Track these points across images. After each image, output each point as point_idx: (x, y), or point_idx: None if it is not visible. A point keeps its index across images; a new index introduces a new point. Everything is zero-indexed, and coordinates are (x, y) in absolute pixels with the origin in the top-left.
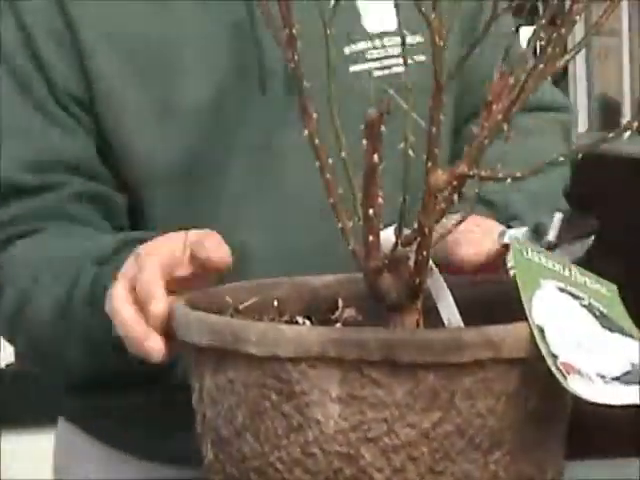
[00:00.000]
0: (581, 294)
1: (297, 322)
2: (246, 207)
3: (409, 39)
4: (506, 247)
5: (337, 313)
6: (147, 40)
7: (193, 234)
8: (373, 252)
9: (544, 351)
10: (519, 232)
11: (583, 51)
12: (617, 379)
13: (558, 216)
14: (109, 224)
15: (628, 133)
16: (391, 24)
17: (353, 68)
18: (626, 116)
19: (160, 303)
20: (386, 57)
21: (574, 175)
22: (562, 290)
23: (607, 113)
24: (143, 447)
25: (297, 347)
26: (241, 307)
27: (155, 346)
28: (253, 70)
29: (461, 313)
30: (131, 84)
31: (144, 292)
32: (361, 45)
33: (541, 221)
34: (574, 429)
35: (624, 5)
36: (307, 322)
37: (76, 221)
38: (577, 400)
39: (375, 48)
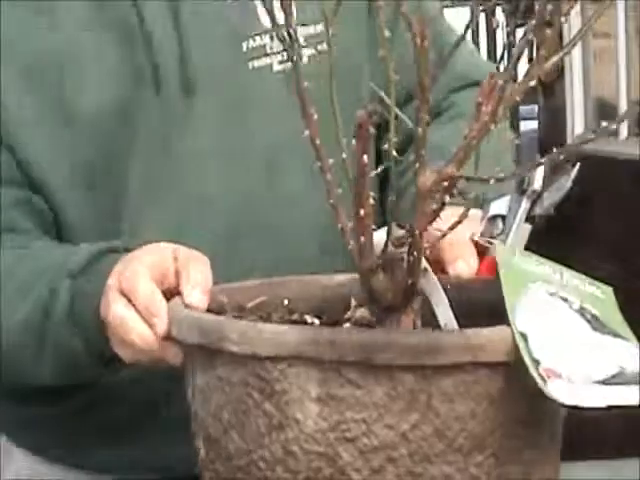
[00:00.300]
0: (572, 297)
1: (306, 321)
2: (148, 209)
3: (311, 29)
4: (490, 220)
5: (349, 313)
6: (40, 54)
7: (183, 255)
8: (365, 252)
9: (526, 356)
10: (503, 201)
11: (580, 54)
12: (603, 382)
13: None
14: (41, 230)
15: (625, 134)
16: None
17: (253, 64)
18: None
19: (164, 319)
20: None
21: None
22: (552, 294)
23: (603, 115)
24: (68, 456)
25: (276, 346)
26: (249, 305)
27: (174, 354)
28: (147, 71)
29: (456, 314)
30: (27, 98)
31: (145, 308)
32: (259, 39)
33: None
34: (573, 430)
35: (620, 7)
36: (316, 321)
37: (17, 231)
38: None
39: (273, 41)
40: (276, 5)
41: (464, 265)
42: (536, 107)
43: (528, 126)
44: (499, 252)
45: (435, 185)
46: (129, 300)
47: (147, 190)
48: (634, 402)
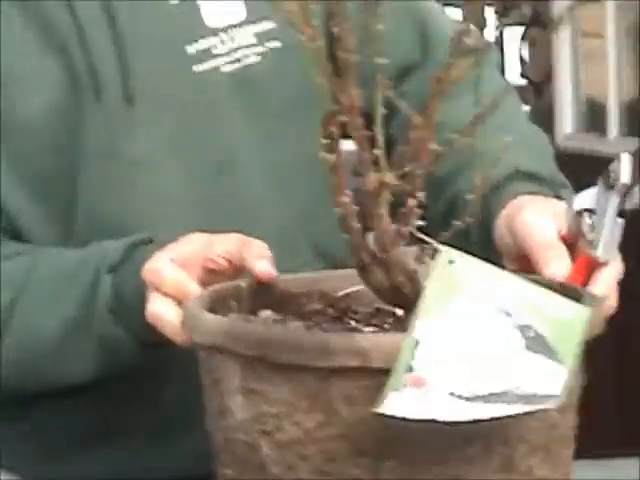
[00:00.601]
0: (522, 314)
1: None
2: (101, 214)
3: (260, 26)
4: (580, 213)
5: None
6: None
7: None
8: (356, 249)
9: (400, 362)
10: (588, 194)
11: (569, 54)
12: (483, 398)
13: (625, 157)
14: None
15: (614, 134)
16: (238, 15)
17: (197, 67)
18: (611, 117)
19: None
20: (235, 49)
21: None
22: (489, 307)
23: (593, 115)
24: (34, 469)
25: (209, 336)
26: (340, 294)
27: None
28: (86, 78)
29: None
30: None
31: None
32: (205, 42)
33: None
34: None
35: (610, 8)
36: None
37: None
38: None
39: (222, 43)
40: (218, 6)
41: (559, 267)
42: (526, 107)
43: None
44: (441, 256)
45: (379, 188)
46: (159, 292)
47: (99, 196)
48: (486, 417)
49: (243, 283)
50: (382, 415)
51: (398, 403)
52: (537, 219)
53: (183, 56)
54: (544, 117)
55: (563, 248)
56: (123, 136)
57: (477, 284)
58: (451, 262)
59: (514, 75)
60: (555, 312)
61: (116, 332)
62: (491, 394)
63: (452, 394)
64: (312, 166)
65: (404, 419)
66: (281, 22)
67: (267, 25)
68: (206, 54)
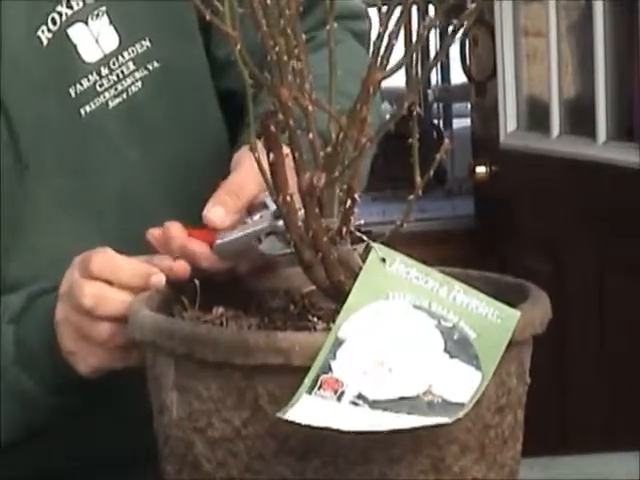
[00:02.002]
0: (450, 316)
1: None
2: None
3: (135, 49)
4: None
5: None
6: None
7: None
8: (299, 248)
9: (317, 362)
10: None
11: (511, 52)
12: (386, 403)
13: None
14: None
15: (556, 132)
16: (111, 42)
17: (85, 109)
18: (553, 116)
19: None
20: (118, 81)
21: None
22: (417, 307)
23: (535, 113)
24: None
25: (145, 333)
26: (305, 291)
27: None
28: None
29: None
30: None
31: (131, 276)
32: (86, 81)
33: None
34: (575, 424)
35: (551, 6)
36: None
37: None
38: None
39: (102, 77)
40: (91, 38)
41: (213, 212)
42: (468, 105)
43: (461, 124)
44: (372, 255)
45: (311, 189)
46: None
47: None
48: (380, 428)
49: (198, 281)
50: (286, 421)
51: (306, 407)
52: (247, 169)
53: (67, 100)
54: (486, 115)
55: (236, 203)
56: (20, 196)
57: (407, 283)
58: (383, 260)
59: (458, 74)
60: (484, 314)
61: (22, 382)
62: (401, 398)
63: (361, 397)
64: (205, 175)
65: (307, 426)
66: (155, 38)
67: (142, 47)
68: (91, 92)
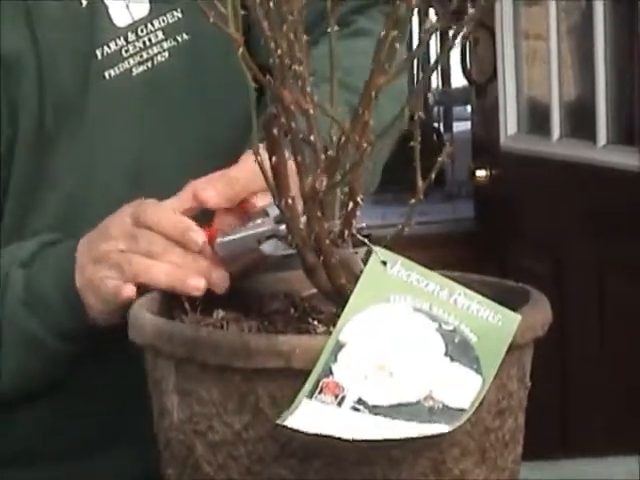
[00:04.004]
0: (450, 319)
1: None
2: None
3: (166, 19)
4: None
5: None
6: None
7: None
8: (301, 251)
9: (319, 364)
10: None
11: (512, 55)
12: (386, 409)
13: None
14: None
15: (557, 135)
16: (142, 9)
17: (109, 72)
18: (554, 119)
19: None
20: (144, 49)
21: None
22: (418, 310)
23: (536, 116)
24: None
25: (146, 336)
26: (305, 294)
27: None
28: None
29: None
30: None
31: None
32: (114, 45)
33: None
34: (576, 426)
35: (552, 8)
36: None
37: None
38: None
39: (131, 42)
40: (123, 3)
41: (208, 192)
42: (469, 108)
43: (461, 127)
44: (373, 258)
45: (314, 192)
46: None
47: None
48: (381, 437)
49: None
50: (285, 427)
51: (306, 413)
52: (245, 165)
53: (93, 62)
54: (487, 118)
55: (226, 190)
56: (39, 159)
57: (408, 286)
58: (383, 263)
59: (458, 77)
60: (484, 317)
61: (30, 325)
62: (402, 404)
63: (362, 402)
64: (223, 153)
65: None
66: (187, 11)
67: (172, 17)
68: (117, 57)
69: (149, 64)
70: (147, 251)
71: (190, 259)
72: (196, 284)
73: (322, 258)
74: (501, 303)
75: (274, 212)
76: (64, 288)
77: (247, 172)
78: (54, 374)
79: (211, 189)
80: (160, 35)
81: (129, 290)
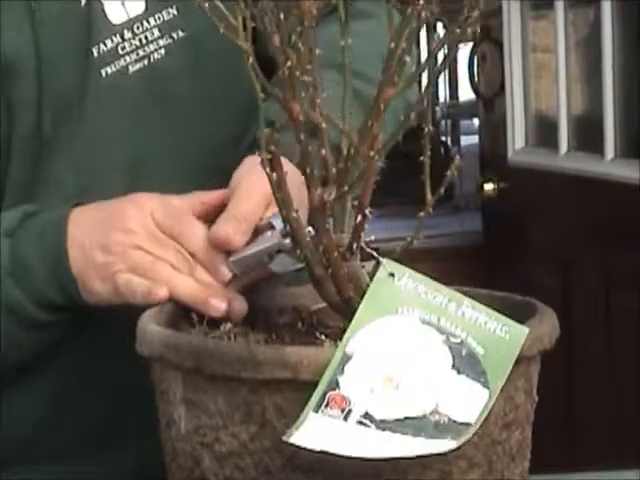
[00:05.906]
0: (458, 332)
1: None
2: None
3: (162, 16)
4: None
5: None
6: None
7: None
8: (309, 263)
9: (325, 377)
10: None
11: (520, 68)
12: (393, 423)
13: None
14: None
15: (565, 149)
16: (137, 7)
17: (106, 70)
18: (562, 132)
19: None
20: (140, 46)
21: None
22: (426, 323)
23: (544, 130)
24: None
25: (152, 348)
26: (313, 308)
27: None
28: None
29: None
30: None
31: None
32: (110, 42)
33: None
34: (583, 439)
35: (559, 22)
36: None
37: None
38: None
39: (125, 40)
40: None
41: (222, 228)
42: (477, 121)
43: (469, 141)
44: (380, 270)
45: (322, 205)
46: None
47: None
48: (387, 455)
49: None
50: (291, 444)
51: (312, 428)
52: (248, 190)
53: (90, 59)
54: (495, 132)
55: (249, 220)
56: (37, 157)
57: (416, 299)
58: (391, 275)
59: (466, 90)
60: (492, 330)
61: (15, 295)
62: (407, 418)
63: (368, 416)
64: (221, 151)
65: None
66: (183, 8)
67: (168, 14)
68: (113, 54)
69: (146, 61)
70: (173, 262)
71: (215, 281)
72: (218, 305)
73: (330, 270)
74: (509, 316)
75: (279, 224)
76: (51, 260)
77: (256, 199)
78: (41, 343)
79: (232, 232)
80: (156, 32)
81: (162, 293)
